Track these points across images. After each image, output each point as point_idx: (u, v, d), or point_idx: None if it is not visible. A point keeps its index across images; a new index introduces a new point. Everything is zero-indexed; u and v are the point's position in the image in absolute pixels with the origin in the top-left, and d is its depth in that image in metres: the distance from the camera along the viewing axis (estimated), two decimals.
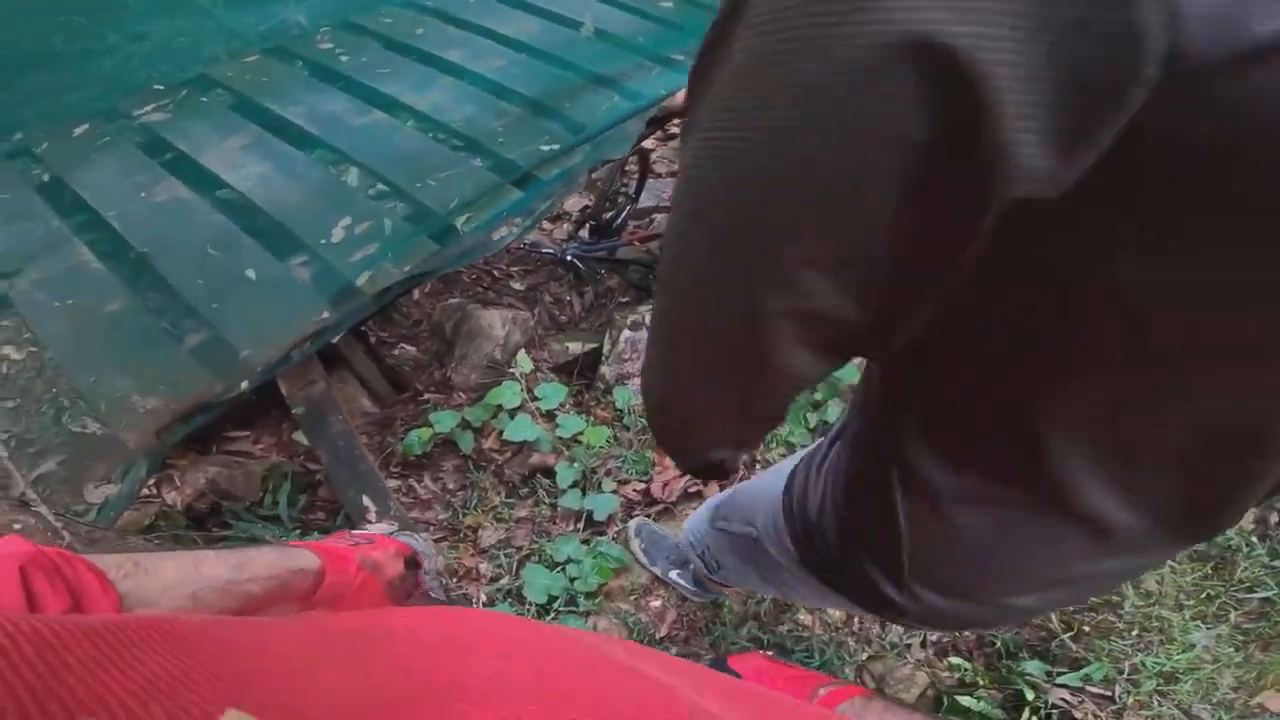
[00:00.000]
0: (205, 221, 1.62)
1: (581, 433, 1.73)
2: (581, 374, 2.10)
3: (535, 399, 1.74)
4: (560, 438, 1.72)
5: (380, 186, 1.74)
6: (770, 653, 0.66)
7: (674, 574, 1.67)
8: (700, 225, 0.34)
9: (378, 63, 2.24)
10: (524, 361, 1.78)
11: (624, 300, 2.80)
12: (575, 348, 2.07)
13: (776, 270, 0.31)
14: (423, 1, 2.59)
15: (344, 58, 2.27)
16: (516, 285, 2.83)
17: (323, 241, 1.55)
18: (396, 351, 2.38)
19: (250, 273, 1.47)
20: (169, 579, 0.47)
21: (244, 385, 1.25)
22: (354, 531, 0.75)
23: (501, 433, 1.75)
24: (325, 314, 1.38)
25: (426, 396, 1.95)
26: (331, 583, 0.63)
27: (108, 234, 1.60)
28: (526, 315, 2.11)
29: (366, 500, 1.42)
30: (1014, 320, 0.36)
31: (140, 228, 1.60)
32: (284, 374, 1.47)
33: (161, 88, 2.16)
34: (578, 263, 2.71)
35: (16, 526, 1.00)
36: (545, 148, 1.88)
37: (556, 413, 1.79)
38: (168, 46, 2.25)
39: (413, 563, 0.78)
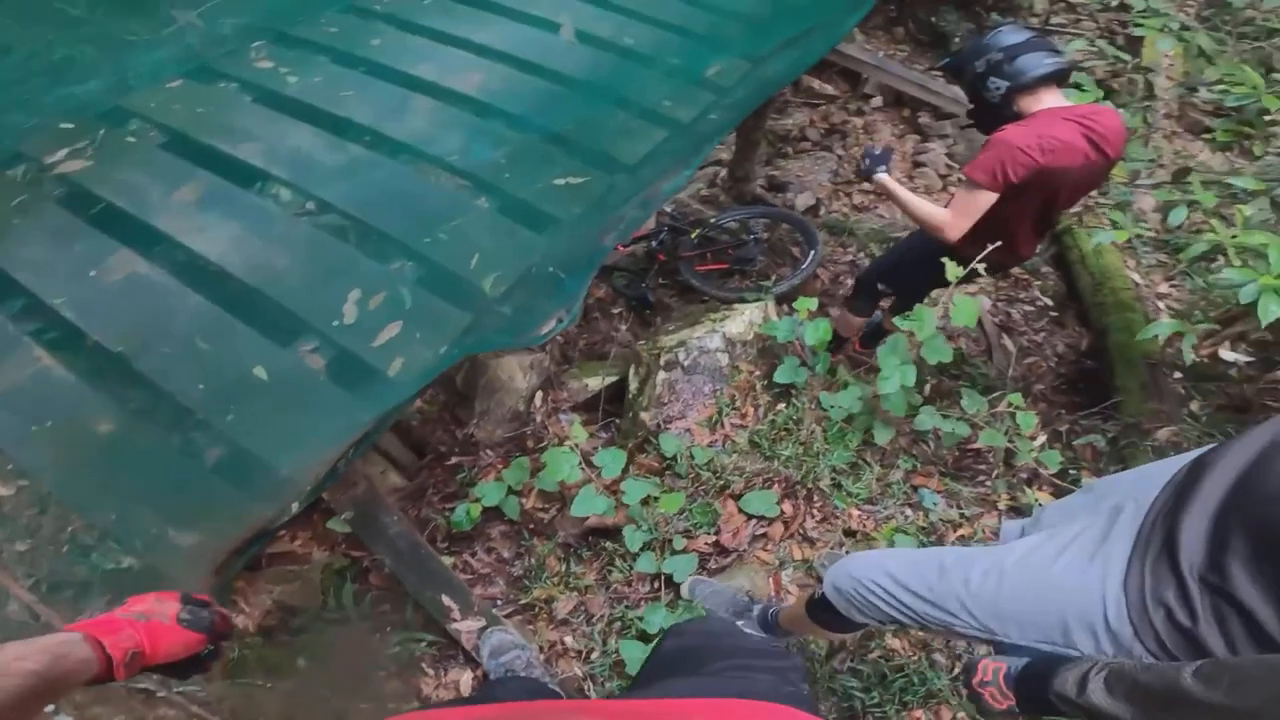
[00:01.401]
0: (181, 305, 1.39)
1: (652, 497, 1.71)
2: (605, 410, 2.04)
3: (593, 467, 1.70)
4: (625, 504, 1.70)
5: (381, 243, 1.58)
6: None
7: (740, 624, 1.67)
8: None
9: (334, 82, 1.98)
10: (578, 431, 1.71)
11: (615, 310, 2.73)
12: (594, 383, 2.02)
13: None
14: (369, 5, 2.31)
15: (291, 78, 2.00)
16: None
17: (335, 323, 1.38)
18: None
19: (259, 371, 1.28)
20: None
21: (295, 507, 1.13)
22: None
23: (545, 492, 1.72)
24: (365, 418, 1.24)
25: (454, 460, 1.87)
26: (116, 643, 0.68)
27: (62, 328, 1.34)
28: (541, 356, 2.01)
29: (447, 600, 1.38)
30: None
31: (102, 318, 1.36)
32: None
33: (71, 125, 1.87)
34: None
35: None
36: (560, 182, 1.75)
37: (606, 469, 1.75)
38: (62, 71, 1.96)
39: (188, 599, 0.80)
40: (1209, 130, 3.50)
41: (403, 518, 1.47)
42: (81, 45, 1.95)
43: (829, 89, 4.02)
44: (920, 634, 1.68)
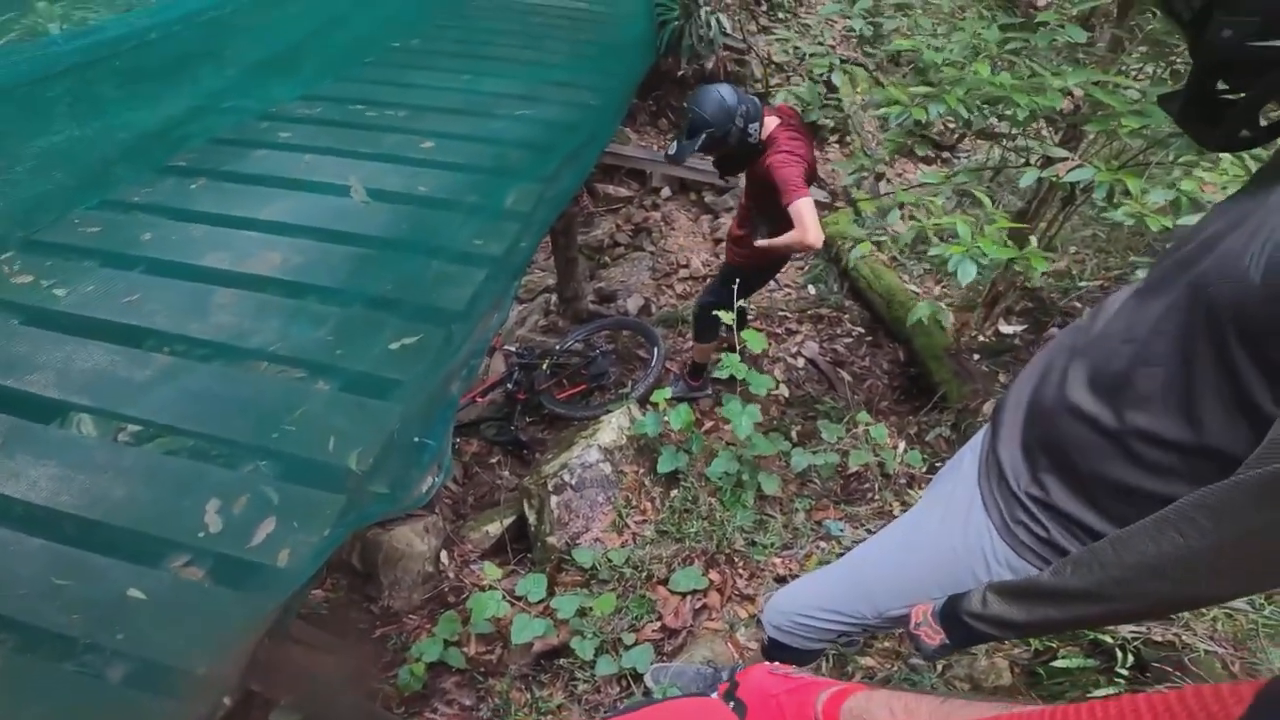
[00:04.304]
0: (20, 550, 1.37)
1: (585, 607, 1.84)
2: (513, 549, 2.15)
3: (518, 598, 1.80)
4: (563, 620, 1.83)
5: (225, 451, 1.59)
6: (773, 664, 0.85)
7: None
8: None
9: (113, 288, 1.94)
10: (492, 571, 1.81)
11: (493, 460, 2.84)
12: (494, 528, 2.13)
13: None
14: (125, 197, 2.28)
15: (59, 290, 1.92)
16: None
17: (200, 535, 1.38)
18: None
19: (135, 592, 1.28)
20: None
21: (226, 700, 1.19)
22: None
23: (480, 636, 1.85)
24: (268, 606, 1.27)
25: (379, 632, 1.94)
26: None
27: None
28: (434, 518, 2.09)
29: None
30: None
31: None
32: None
33: None
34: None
35: None
36: (395, 345, 1.84)
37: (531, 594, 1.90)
38: None
39: None
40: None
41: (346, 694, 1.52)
42: None
43: (623, 191, 4.58)
44: (888, 643, 1.88)
